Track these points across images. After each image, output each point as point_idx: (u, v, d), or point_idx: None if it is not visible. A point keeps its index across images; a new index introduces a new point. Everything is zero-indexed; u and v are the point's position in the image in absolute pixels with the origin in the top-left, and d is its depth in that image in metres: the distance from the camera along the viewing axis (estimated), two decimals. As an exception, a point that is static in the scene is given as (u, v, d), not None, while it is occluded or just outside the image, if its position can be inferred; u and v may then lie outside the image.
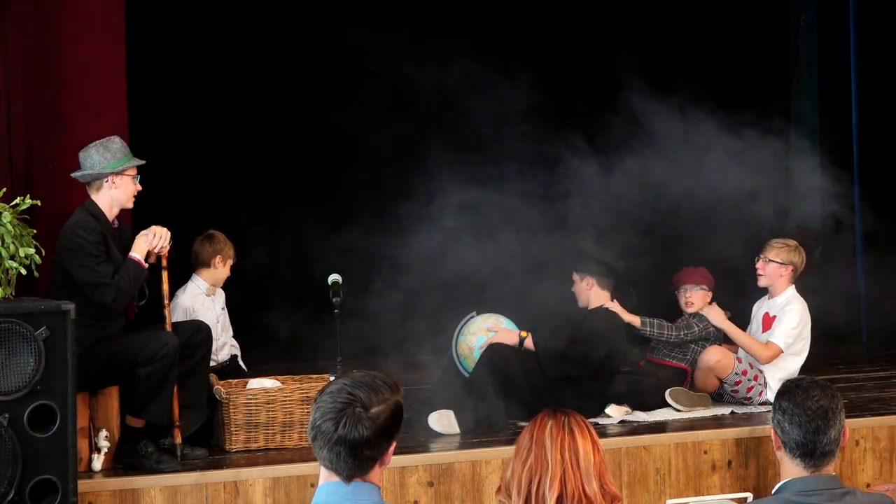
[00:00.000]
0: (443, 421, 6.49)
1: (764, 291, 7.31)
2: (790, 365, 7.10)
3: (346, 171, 8.46)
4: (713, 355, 7.03)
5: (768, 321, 7.20)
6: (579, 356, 6.76)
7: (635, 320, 7.08)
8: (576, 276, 7.18)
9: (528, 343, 6.80)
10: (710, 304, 7.24)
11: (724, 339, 7.27)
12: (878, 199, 8.74)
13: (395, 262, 8.62)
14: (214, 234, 6.90)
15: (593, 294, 7.11)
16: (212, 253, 6.82)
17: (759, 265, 7.19)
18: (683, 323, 7.19)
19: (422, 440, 6.35)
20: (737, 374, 7.01)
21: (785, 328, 7.07)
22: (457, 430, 6.50)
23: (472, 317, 7.05)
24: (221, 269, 6.85)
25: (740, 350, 7.19)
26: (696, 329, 7.15)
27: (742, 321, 7.34)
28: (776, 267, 7.15)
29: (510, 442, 3.71)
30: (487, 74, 8.48)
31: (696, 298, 7.25)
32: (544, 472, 3.46)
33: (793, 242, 7.26)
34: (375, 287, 8.35)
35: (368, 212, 8.57)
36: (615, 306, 7.08)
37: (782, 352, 7.06)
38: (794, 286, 7.18)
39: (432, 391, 6.96)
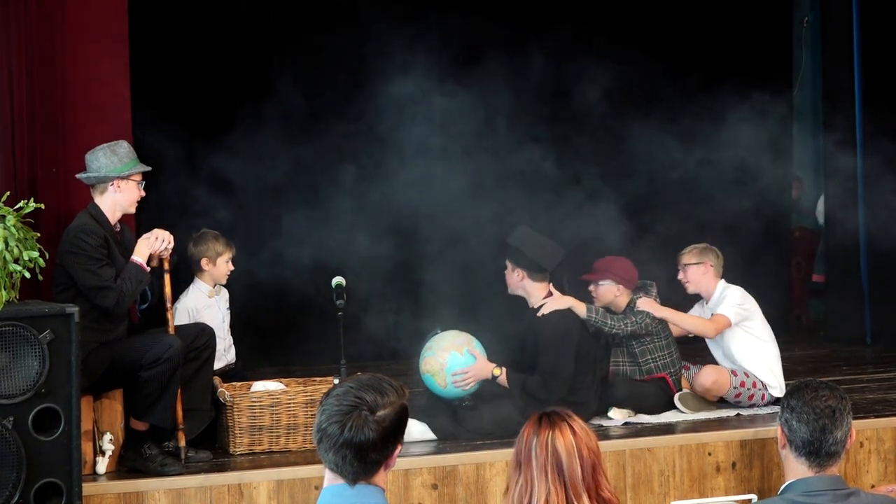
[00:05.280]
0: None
1: (697, 298, 7.24)
2: (768, 356, 7.01)
3: (351, 174, 8.45)
4: (707, 377, 6.90)
5: None
6: (552, 377, 6.44)
7: (581, 309, 6.67)
8: (508, 265, 6.73)
9: (502, 380, 6.49)
10: (641, 297, 6.90)
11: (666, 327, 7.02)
12: (882, 201, 8.73)
13: (399, 264, 8.63)
14: (202, 234, 6.80)
15: (527, 285, 6.66)
16: (198, 255, 6.75)
17: (680, 277, 7.16)
18: (620, 316, 6.89)
19: (426, 443, 6.33)
20: (735, 387, 6.94)
21: (728, 304, 6.98)
22: (414, 437, 6.29)
23: (436, 332, 6.66)
24: (214, 268, 6.75)
25: (728, 360, 7.09)
26: (629, 322, 6.79)
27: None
28: (694, 268, 7.10)
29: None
30: (498, 50, 8.49)
31: (599, 292, 6.97)
32: (532, 494, 3.45)
33: (701, 244, 7.22)
34: (378, 289, 8.36)
35: (376, 213, 8.57)
36: (559, 299, 6.64)
37: (730, 323, 6.94)
38: (723, 280, 7.13)
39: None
